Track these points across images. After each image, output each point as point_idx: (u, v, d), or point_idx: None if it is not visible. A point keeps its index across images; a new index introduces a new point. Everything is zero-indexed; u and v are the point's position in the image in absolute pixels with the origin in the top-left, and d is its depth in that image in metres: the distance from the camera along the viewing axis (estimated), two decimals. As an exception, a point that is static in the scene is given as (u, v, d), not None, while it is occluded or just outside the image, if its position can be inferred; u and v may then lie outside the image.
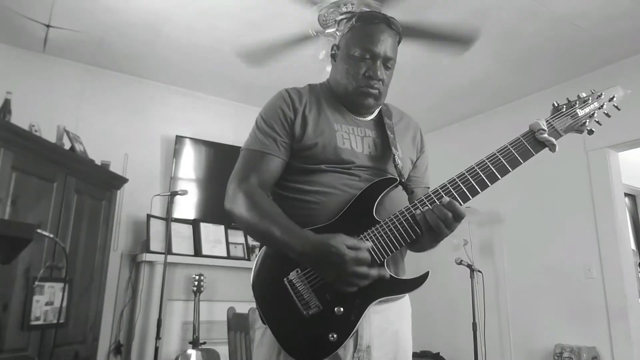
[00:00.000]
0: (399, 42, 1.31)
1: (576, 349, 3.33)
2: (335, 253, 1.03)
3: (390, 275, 1.13)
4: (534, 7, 2.92)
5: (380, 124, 1.33)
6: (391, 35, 1.27)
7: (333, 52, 1.36)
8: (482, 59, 3.57)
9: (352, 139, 1.26)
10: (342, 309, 1.09)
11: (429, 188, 1.42)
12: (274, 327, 1.12)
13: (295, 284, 1.10)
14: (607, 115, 1.24)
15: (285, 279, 1.11)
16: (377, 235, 1.12)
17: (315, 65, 3.01)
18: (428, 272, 1.12)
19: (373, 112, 1.35)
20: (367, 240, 1.11)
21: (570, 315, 3.54)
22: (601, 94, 1.24)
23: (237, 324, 2.13)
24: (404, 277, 1.23)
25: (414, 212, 1.13)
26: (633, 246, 4.49)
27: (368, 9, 2.48)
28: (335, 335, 1.09)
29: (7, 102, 2.94)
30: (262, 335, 1.16)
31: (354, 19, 1.29)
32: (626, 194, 4.69)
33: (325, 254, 1.04)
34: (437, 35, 2.95)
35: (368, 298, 1.10)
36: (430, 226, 1.10)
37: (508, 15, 3.02)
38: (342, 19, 2.63)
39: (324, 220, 1.16)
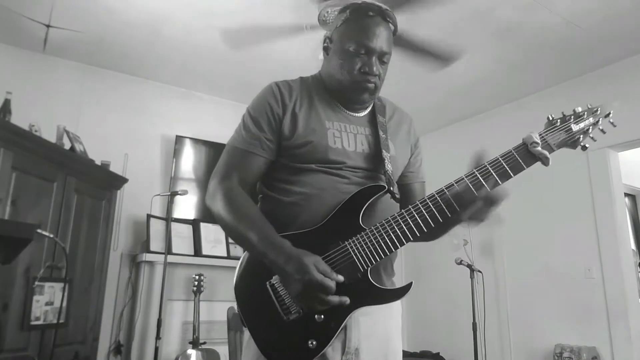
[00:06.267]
0: (394, 34, 1.27)
1: (576, 349, 3.33)
2: (305, 272, 1.02)
3: (374, 284, 1.11)
4: (534, 7, 2.92)
5: (372, 122, 1.29)
6: (387, 29, 1.22)
7: (326, 44, 1.29)
8: (482, 59, 3.57)
9: (344, 136, 1.22)
10: (322, 316, 1.08)
11: (424, 182, 1.41)
12: (254, 330, 1.11)
13: (277, 288, 1.09)
14: (603, 132, 1.21)
15: (267, 283, 1.10)
16: (362, 242, 1.10)
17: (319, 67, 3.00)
18: (411, 282, 1.12)
19: (367, 108, 1.30)
20: (353, 246, 1.10)
21: (570, 315, 3.54)
22: (597, 109, 1.20)
23: (237, 323, 2.13)
24: (390, 283, 1.22)
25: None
26: (633, 246, 4.49)
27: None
28: (314, 342, 1.07)
29: (7, 102, 2.93)
30: (250, 336, 1.15)
31: (347, 11, 1.23)
32: (626, 194, 4.69)
33: (294, 269, 1.03)
34: None
35: (348, 306, 1.08)
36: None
37: (508, 15, 3.02)
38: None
39: (309, 224, 1.14)
